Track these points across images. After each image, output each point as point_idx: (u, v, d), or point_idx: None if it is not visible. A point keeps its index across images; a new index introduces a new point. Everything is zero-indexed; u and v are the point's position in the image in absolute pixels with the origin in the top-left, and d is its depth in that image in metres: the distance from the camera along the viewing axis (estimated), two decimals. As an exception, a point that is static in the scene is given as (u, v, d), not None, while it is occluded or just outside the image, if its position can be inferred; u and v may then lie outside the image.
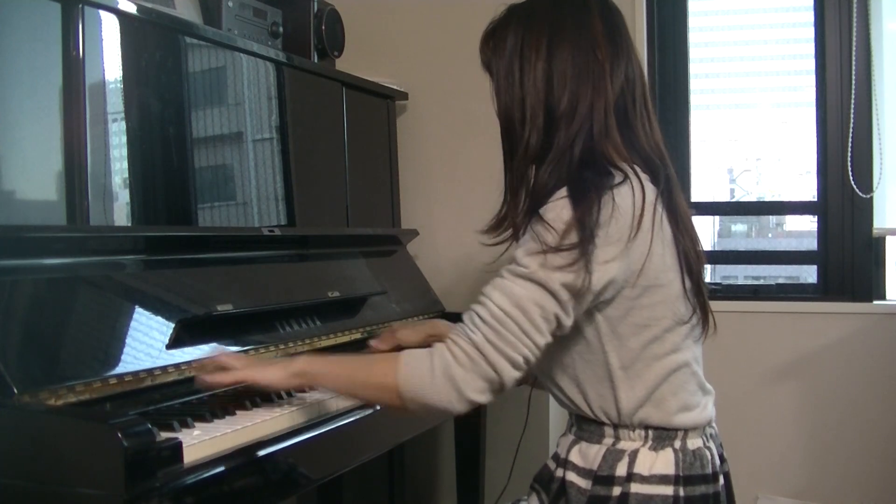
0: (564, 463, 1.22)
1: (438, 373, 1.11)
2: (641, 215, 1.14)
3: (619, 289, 1.14)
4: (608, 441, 1.19)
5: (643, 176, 1.18)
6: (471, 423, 2.18)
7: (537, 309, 1.10)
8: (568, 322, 1.13)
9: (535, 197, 1.18)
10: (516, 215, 1.22)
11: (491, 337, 1.11)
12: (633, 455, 1.17)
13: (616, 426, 1.19)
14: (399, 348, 1.64)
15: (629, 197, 1.14)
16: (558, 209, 1.11)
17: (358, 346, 1.83)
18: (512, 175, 1.25)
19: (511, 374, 1.12)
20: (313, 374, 1.24)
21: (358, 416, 1.41)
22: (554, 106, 1.19)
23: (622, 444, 1.18)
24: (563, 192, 1.13)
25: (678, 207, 1.22)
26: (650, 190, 1.17)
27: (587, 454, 1.20)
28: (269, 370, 1.26)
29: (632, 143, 1.22)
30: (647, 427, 1.18)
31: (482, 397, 1.12)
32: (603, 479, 1.17)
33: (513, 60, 1.22)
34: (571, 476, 1.20)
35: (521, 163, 1.22)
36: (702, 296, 1.23)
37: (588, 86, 1.19)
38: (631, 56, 1.24)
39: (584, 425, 1.23)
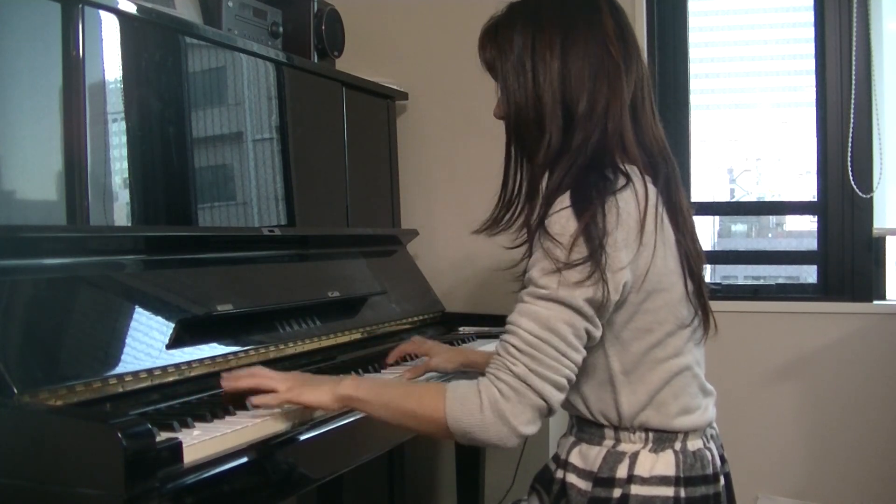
0: (565, 464, 1.22)
1: (487, 410, 1.09)
2: (644, 219, 1.13)
3: (626, 294, 1.14)
4: (608, 443, 1.19)
5: (646, 177, 1.18)
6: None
7: (568, 328, 1.09)
8: (598, 333, 1.12)
9: (546, 197, 1.17)
10: (532, 217, 1.20)
11: (532, 365, 1.08)
12: (634, 457, 1.17)
13: (616, 429, 1.19)
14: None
15: (632, 201, 1.13)
16: (563, 221, 1.10)
17: (358, 346, 1.83)
18: (527, 176, 1.23)
19: (558, 397, 1.10)
20: (360, 400, 1.20)
21: (358, 416, 1.41)
22: (572, 106, 1.17)
23: (623, 447, 1.18)
24: (566, 200, 1.11)
25: (678, 206, 1.21)
26: (652, 192, 1.17)
27: (587, 456, 1.20)
28: (316, 392, 1.22)
29: (641, 142, 1.21)
30: (647, 430, 1.18)
31: (532, 428, 1.10)
32: (603, 480, 1.17)
33: (523, 59, 1.19)
34: (572, 478, 1.20)
35: (542, 164, 1.20)
36: (703, 297, 1.22)
37: (605, 85, 1.18)
38: (640, 53, 1.24)
39: (585, 427, 1.22)
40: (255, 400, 1.24)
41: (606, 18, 1.20)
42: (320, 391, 1.22)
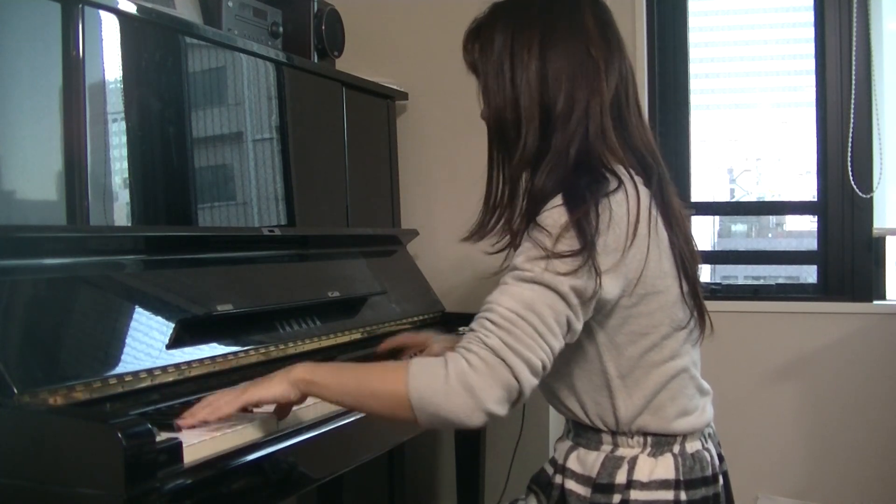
0: (563, 469, 1.21)
1: (454, 381, 1.02)
2: (637, 222, 1.12)
3: (616, 298, 1.12)
4: (607, 448, 1.18)
5: (637, 179, 1.17)
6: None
7: (550, 311, 1.05)
8: (578, 326, 1.10)
9: (532, 201, 1.16)
10: (513, 220, 1.20)
11: (507, 339, 1.04)
12: (633, 462, 1.16)
13: (614, 433, 1.18)
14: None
15: (624, 205, 1.12)
16: (555, 216, 1.09)
17: (358, 346, 1.83)
18: (507, 179, 1.22)
19: (530, 381, 1.05)
20: (316, 383, 1.12)
21: (358, 417, 1.41)
22: (550, 106, 1.17)
23: (621, 451, 1.17)
24: (559, 199, 1.10)
25: (671, 207, 1.20)
26: (644, 194, 1.15)
27: (585, 461, 1.19)
28: (268, 385, 1.14)
29: (626, 142, 1.20)
30: (645, 434, 1.17)
31: (500, 408, 1.03)
32: (602, 486, 1.16)
33: (503, 60, 1.19)
34: (571, 484, 1.19)
35: (518, 166, 1.19)
36: (698, 298, 1.21)
37: (584, 85, 1.16)
38: (623, 53, 1.22)
39: (582, 432, 1.21)
40: (208, 417, 1.14)
41: (587, 17, 1.19)
42: (272, 383, 1.14)
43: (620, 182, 1.13)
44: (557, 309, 1.06)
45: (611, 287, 1.10)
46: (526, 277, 1.08)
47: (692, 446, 1.18)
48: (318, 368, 1.15)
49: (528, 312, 1.05)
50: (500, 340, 1.04)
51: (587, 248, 1.07)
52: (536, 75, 1.17)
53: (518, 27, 1.19)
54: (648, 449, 1.17)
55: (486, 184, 1.25)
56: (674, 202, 1.21)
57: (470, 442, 2.20)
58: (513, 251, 1.16)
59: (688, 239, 1.23)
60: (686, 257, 1.20)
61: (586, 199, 1.09)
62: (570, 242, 1.07)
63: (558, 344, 1.08)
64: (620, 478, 1.15)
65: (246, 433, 1.19)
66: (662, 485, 1.14)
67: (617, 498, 1.14)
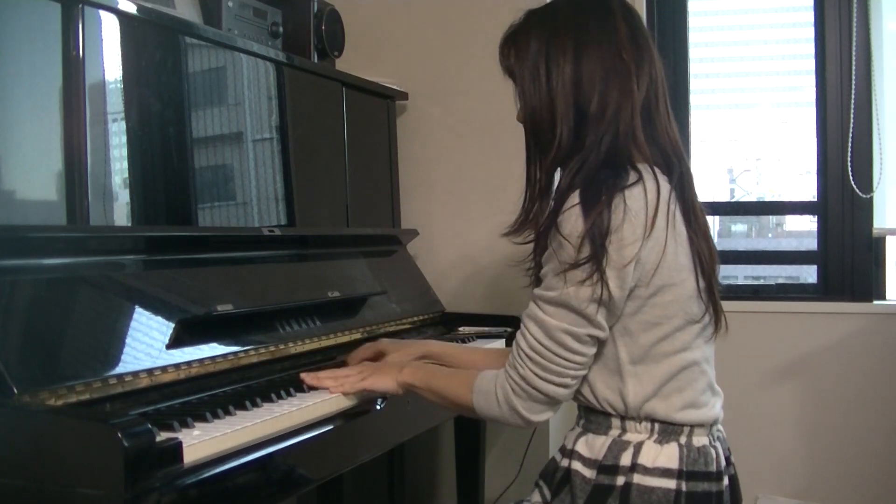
0: (570, 453, 1.24)
1: (503, 403, 1.22)
2: (655, 215, 1.15)
3: (633, 287, 1.16)
4: (614, 432, 1.21)
5: (661, 176, 1.19)
6: (471, 424, 2.18)
7: (568, 337, 1.16)
8: (603, 334, 1.18)
9: (557, 197, 1.20)
10: (542, 217, 1.24)
11: (536, 371, 1.19)
12: (638, 447, 1.18)
13: (623, 418, 1.21)
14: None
15: (641, 198, 1.15)
16: (572, 221, 1.13)
17: (358, 346, 1.82)
18: (541, 177, 1.27)
19: (564, 393, 1.20)
20: (415, 386, 1.38)
21: (358, 417, 1.42)
22: (584, 108, 1.21)
23: (628, 436, 1.20)
24: (576, 198, 1.15)
25: (692, 205, 1.23)
26: (665, 188, 1.18)
27: (593, 445, 1.22)
28: (382, 378, 1.41)
29: (653, 140, 1.24)
30: (653, 420, 1.20)
31: (545, 415, 1.23)
32: (607, 468, 1.19)
33: (538, 64, 1.23)
34: (577, 465, 1.22)
35: (552, 165, 1.25)
36: (714, 295, 1.24)
37: (616, 88, 1.21)
38: (653, 56, 1.26)
39: (592, 417, 1.25)
40: (333, 390, 1.41)
41: (619, 23, 1.23)
42: (385, 378, 1.41)
43: (640, 177, 1.17)
44: (576, 331, 1.17)
45: (632, 278, 1.15)
46: (549, 298, 1.18)
47: (699, 440, 1.21)
48: (418, 372, 1.40)
49: (551, 342, 1.18)
50: (532, 372, 1.20)
51: (598, 253, 1.12)
52: (571, 78, 1.22)
53: (553, 32, 1.24)
54: (655, 436, 1.19)
55: (526, 181, 1.30)
56: (694, 201, 1.25)
57: (470, 442, 2.20)
58: (535, 243, 1.24)
59: (706, 237, 1.26)
60: (703, 255, 1.23)
61: (601, 196, 1.14)
62: (585, 250, 1.13)
63: (586, 355, 1.19)
64: (625, 460, 1.18)
65: (246, 433, 1.19)
66: (665, 473, 1.17)
67: (620, 480, 1.17)
